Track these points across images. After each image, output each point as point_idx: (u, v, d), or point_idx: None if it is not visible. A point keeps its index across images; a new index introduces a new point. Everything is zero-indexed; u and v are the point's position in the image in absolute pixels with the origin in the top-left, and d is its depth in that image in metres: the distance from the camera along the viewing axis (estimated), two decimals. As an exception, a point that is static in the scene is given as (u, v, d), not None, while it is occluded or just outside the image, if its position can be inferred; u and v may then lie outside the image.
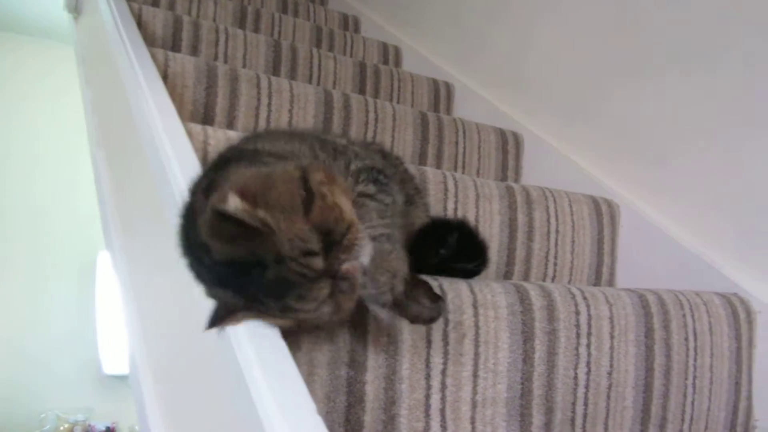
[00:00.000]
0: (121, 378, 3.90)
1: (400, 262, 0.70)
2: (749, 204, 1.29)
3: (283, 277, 0.60)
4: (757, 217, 1.27)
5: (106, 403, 3.98)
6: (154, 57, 1.37)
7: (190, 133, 1.07)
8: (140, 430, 1.06)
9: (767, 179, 1.26)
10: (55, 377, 3.87)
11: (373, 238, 0.70)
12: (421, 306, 0.76)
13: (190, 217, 0.70)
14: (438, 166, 1.68)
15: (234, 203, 0.59)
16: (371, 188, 0.77)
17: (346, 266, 0.64)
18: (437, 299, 0.78)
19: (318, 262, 0.61)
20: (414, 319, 0.77)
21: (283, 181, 0.64)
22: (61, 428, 3.87)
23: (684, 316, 1.11)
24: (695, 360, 1.11)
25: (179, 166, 0.92)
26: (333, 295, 0.63)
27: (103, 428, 3.89)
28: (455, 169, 1.71)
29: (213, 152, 1.09)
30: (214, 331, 0.66)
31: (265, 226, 0.59)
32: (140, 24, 1.72)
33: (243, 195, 0.60)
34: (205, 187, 0.70)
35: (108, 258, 1.45)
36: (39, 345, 3.85)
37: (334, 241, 0.63)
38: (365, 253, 0.65)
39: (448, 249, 0.94)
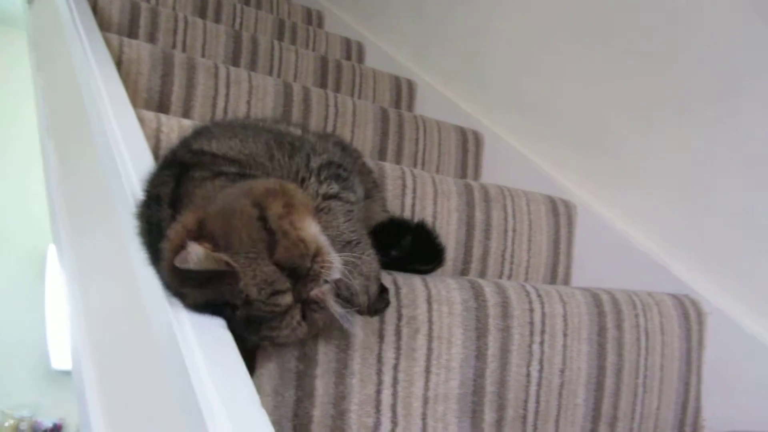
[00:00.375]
0: (70, 373, 3.80)
1: (372, 264, 0.70)
2: (700, 207, 1.31)
3: (254, 315, 0.61)
4: (709, 220, 1.29)
5: (53, 399, 3.87)
6: (108, 42, 1.34)
7: (142, 120, 1.04)
8: (80, 422, 1.03)
9: (718, 181, 1.28)
10: (0, 372, 3.76)
11: (343, 246, 0.70)
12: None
13: (153, 226, 0.70)
14: (398, 162, 1.67)
15: (195, 253, 0.59)
16: (334, 187, 0.76)
17: (314, 292, 0.64)
18: (383, 291, 0.78)
19: (286, 299, 0.62)
20: (360, 312, 0.76)
21: (244, 224, 0.63)
22: (6, 424, 3.76)
23: (636, 315, 1.12)
24: (646, 359, 1.12)
25: (129, 153, 0.90)
26: (306, 317, 0.65)
27: (50, 425, 3.79)
28: (415, 166, 1.70)
29: (166, 141, 1.06)
30: (157, 322, 0.64)
31: (230, 268, 0.60)
32: (96, 9, 1.67)
33: (204, 236, 0.61)
34: (169, 200, 0.70)
35: (55, 251, 1.41)
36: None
37: (301, 273, 0.63)
38: (335, 273, 0.65)
39: (400, 251, 0.93)
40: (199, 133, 0.87)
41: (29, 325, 3.85)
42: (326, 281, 0.65)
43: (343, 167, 0.80)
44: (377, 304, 0.76)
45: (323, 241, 0.66)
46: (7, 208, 3.93)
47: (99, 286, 1.04)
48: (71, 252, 1.28)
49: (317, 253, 0.64)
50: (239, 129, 0.85)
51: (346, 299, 0.68)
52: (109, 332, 0.96)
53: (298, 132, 0.91)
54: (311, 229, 0.65)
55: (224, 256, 0.59)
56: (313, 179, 0.76)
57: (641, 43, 1.43)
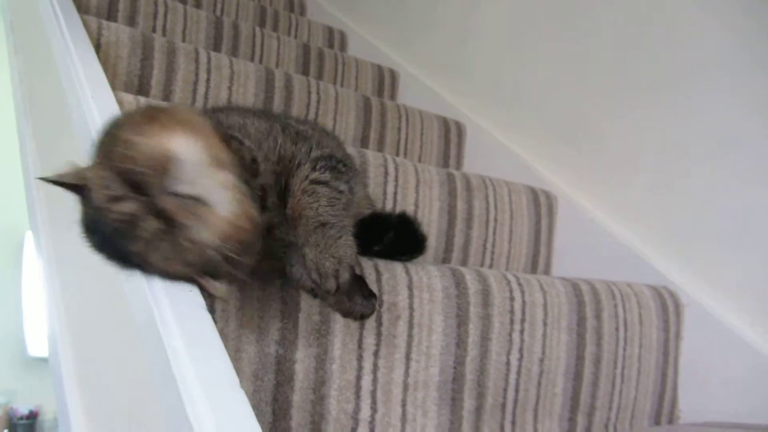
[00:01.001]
0: (47, 360, 3.76)
1: (346, 249, 0.70)
2: (679, 199, 1.32)
3: (109, 228, 0.62)
4: (686, 212, 1.30)
5: (30, 386, 3.83)
6: (86, 25, 1.31)
7: (121, 103, 1.02)
8: (58, 411, 1.02)
9: (696, 174, 1.29)
10: (-26, 358, 3.72)
11: (317, 227, 0.70)
12: (353, 303, 0.76)
13: None
14: (380, 151, 1.66)
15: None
16: (326, 175, 0.76)
17: (167, 204, 0.62)
18: (371, 296, 0.78)
19: (127, 206, 0.61)
20: (346, 314, 0.78)
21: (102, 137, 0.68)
22: (-18, 411, 3.73)
23: (615, 306, 1.13)
24: (624, 350, 1.13)
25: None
26: (169, 232, 0.61)
27: (26, 411, 3.75)
28: (397, 155, 1.70)
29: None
30: (136, 304, 0.63)
31: (82, 181, 0.64)
32: (75, -8, 1.64)
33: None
34: None
35: (32, 238, 1.39)
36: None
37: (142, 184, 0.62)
38: (185, 187, 0.62)
39: (383, 247, 0.93)
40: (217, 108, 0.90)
41: (5, 312, 3.80)
42: (182, 196, 0.62)
43: (342, 162, 0.81)
44: (364, 308, 0.77)
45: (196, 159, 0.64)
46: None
47: (77, 271, 1.03)
48: (48, 238, 1.27)
49: (164, 167, 0.62)
50: (253, 112, 0.87)
51: (315, 282, 0.69)
52: (86, 318, 0.95)
53: (306, 128, 0.91)
54: (168, 144, 0.63)
55: (82, 171, 0.64)
56: (307, 165, 0.77)
57: (618, 34, 1.44)
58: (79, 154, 0.98)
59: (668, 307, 1.23)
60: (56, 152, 1.24)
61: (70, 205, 1.07)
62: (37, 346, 3.74)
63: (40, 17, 1.36)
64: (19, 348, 3.80)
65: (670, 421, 1.23)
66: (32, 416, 3.76)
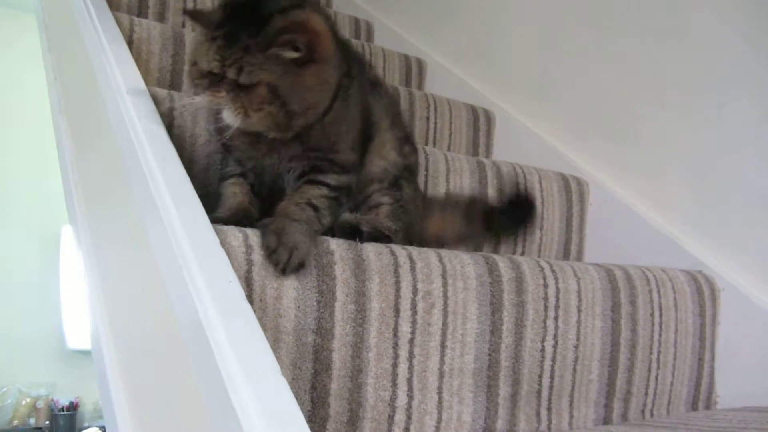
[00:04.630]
0: (85, 353, 3.84)
1: (297, 236, 0.79)
2: (714, 183, 1.30)
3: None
4: (722, 197, 1.29)
5: (69, 378, 3.92)
6: (119, 22, 1.33)
7: (155, 98, 1.04)
8: (102, 403, 1.04)
9: (732, 158, 1.27)
10: (17, 351, 3.80)
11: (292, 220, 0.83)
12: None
13: None
14: (409, 141, 1.67)
15: None
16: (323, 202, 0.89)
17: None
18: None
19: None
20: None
21: None
22: (23, 403, 3.81)
23: (650, 291, 1.12)
24: (660, 335, 1.12)
25: (144, 132, 0.90)
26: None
27: (66, 403, 3.83)
28: (426, 144, 1.70)
29: (179, 118, 1.06)
30: (176, 296, 0.64)
31: None
32: (106, -10, 1.66)
33: None
34: None
35: (71, 231, 1.42)
36: (1, 320, 3.77)
37: None
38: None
39: None
40: None
41: (44, 306, 3.88)
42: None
43: (347, 192, 0.94)
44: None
45: None
46: (20, 189, 3.95)
47: (117, 264, 1.05)
48: (88, 231, 1.29)
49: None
50: None
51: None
52: (128, 311, 0.97)
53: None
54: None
55: None
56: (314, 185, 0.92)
57: (653, 23, 1.42)
58: (116, 149, 1.00)
59: (704, 291, 1.22)
60: (93, 148, 1.27)
61: (109, 199, 1.10)
62: (76, 339, 3.81)
63: (73, 14, 1.38)
64: (59, 341, 3.89)
65: (708, 407, 1.22)
66: (72, 407, 3.85)
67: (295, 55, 0.81)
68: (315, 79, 0.84)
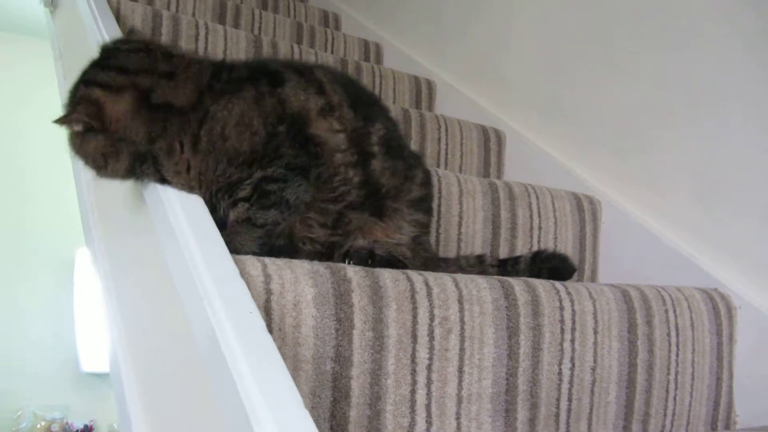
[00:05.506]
0: (100, 376, 3.85)
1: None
2: (726, 199, 1.30)
3: None
4: (737, 212, 1.29)
5: (84, 401, 3.92)
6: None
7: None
8: (120, 426, 1.05)
9: (746, 174, 1.27)
10: (31, 374, 3.81)
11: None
12: None
13: None
14: (420, 162, 1.67)
15: None
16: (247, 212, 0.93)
17: None
18: None
19: None
20: None
21: None
22: (38, 426, 3.81)
23: (666, 311, 1.12)
24: (677, 355, 1.12)
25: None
26: None
27: (81, 426, 3.84)
28: (438, 166, 1.71)
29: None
30: (198, 327, 0.65)
31: None
32: (119, 18, 1.69)
33: None
34: None
35: (87, 254, 1.43)
36: (15, 342, 3.79)
37: None
38: None
39: None
40: None
41: (59, 329, 3.90)
42: None
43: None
44: None
45: None
46: (34, 212, 3.98)
47: (136, 289, 1.06)
48: (105, 255, 1.30)
49: None
50: None
51: None
52: (147, 335, 0.98)
53: None
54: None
55: None
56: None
57: (660, 40, 1.43)
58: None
59: (720, 310, 1.22)
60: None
61: (126, 223, 1.11)
62: (90, 362, 3.82)
63: (87, 42, 1.40)
64: (73, 364, 3.90)
65: (727, 426, 1.21)
66: (87, 430, 3.85)
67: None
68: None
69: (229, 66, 0.97)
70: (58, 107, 1.94)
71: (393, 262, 0.94)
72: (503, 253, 1.35)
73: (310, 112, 0.93)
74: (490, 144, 1.80)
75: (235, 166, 0.90)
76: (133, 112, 0.88)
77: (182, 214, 0.80)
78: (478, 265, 1.16)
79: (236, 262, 0.72)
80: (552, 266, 1.17)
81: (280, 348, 0.72)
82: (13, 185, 3.99)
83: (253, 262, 0.76)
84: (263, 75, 0.95)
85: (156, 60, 0.92)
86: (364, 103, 1.02)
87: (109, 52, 0.96)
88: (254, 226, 0.89)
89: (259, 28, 2.22)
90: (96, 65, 0.95)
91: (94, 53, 1.33)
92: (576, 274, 1.47)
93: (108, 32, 1.35)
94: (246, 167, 0.90)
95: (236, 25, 2.17)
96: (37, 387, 3.84)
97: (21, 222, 3.96)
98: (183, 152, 0.89)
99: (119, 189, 1.18)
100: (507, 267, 1.17)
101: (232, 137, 0.89)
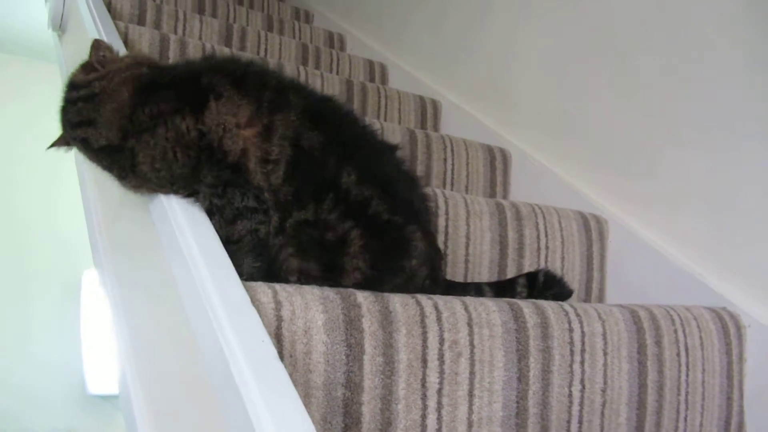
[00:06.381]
0: (107, 398, 3.84)
1: None
2: (734, 218, 1.30)
3: None
4: (745, 231, 1.29)
5: (90, 423, 3.91)
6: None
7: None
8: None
9: (755, 194, 1.27)
10: (38, 397, 3.80)
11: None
12: None
13: None
14: (427, 183, 1.68)
15: None
16: None
17: None
18: None
19: None
20: None
21: None
22: (44, 448, 3.80)
23: (675, 331, 1.11)
24: (687, 375, 1.12)
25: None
26: None
27: (87, 448, 3.84)
28: (444, 186, 1.71)
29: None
30: (209, 355, 0.65)
31: None
32: (127, 43, 1.71)
33: None
34: None
35: (95, 275, 1.44)
36: (21, 365, 3.79)
37: None
38: None
39: None
40: None
41: (65, 351, 3.90)
42: None
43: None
44: None
45: None
46: (40, 234, 4.00)
47: (146, 312, 1.06)
48: (113, 274, 1.31)
49: None
50: None
51: None
52: (158, 359, 0.98)
53: None
54: None
55: None
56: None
57: (667, 60, 1.44)
58: (142, 200, 1.02)
59: (729, 329, 1.21)
60: (119, 198, 1.29)
61: (134, 244, 1.11)
62: (97, 384, 3.82)
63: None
64: (80, 386, 3.89)
65: (738, 447, 1.20)
66: (93, 452, 3.85)
67: None
68: None
69: (155, 85, 0.96)
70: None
71: None
72: (510, 273, 1.35)
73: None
74: (496, 163, 1.80)
75: (177, 188, 0.93)
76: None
77: (191, 235, 0.81)
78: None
79: (247, 289, 0.73)
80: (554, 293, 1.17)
81: (291, 374, 0.72)
82: (17, 207, 4.01)
83: (263, 289, 0.76)
84: (188, 95, 0.93)
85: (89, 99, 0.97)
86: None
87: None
88: (231, 242, 0.89)
89: (265, 50, 2.24)
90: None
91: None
92: (584, 293, 1.47)
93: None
94: (184, 188, 0.93)
95: (242, 48, 2.19)
96: (43, 410, 3.83)
97: (26, 244, 3.97)
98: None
99: (127, 209, 1.19)
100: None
101: (163, 169, 0.91)
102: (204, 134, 0.89)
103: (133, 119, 0.91)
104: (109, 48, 1.06)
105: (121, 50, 1.40)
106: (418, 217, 0.96)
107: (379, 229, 0.89)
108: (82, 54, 1.67)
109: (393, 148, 1.02)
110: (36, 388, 3.79)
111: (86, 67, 1.02)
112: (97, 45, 1.05)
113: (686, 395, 1.11)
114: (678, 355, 1.11)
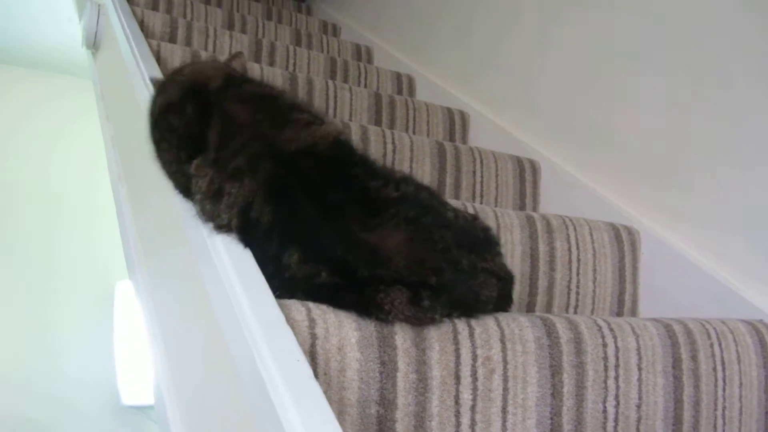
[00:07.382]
0: (141, 408, 3.88)
1: None
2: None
3: None
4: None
5: (125, 435, 3.96)
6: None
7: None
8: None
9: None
10: (71, 409, 3.85)
11: None
12: None
13: None
14: (456, 196, 1.68)
15: None
16: None
17: None
18: None
19: None
20: None
21: None
22: (77, 459, 3.85)
23: (711, 345, 1.10)
24: (724, 390, 1.10)
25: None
26: None
27: (122, 459, 3.87)
28: (473, 198, 1.71)
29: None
30: (245, 374, 0.66)
31: None
32: (159, 60, 1.74)
33: None
34: None
35: (131, 287, 1.46)
36: (55, 377, 3.84)
37: None
38: None
39: None
40: None
41: (99, 362, 3.95)
42: None
43: None
44: None
45: None
46: (72, 247, 4.07)
47: (181, 328, 1.08)
48: (148, 285, 1.33)
49: None
50: None
51: None
52: (193, 374, 0.99)
53: None
54: None
55: None
56: None
57: (701, 69, 1.42)
58: (173, 211, 1.04)
59: (766, 342, 1.19)
60: (154, 216, 1.31)
61: (169, 255, 1.13)
62: (130, 395, 3.86)
63: (131, 84, 1.45)
64: (113, 397, 3.94)
65: (777, 462, 1.18)
66: (127, 462, 3.89)
67: None
68: None
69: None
70: (88, 140, 2.00)
71: None
72: (542, 286, 1.34)
73: None
74: (525, 175, 1.80)
75: None
76: None
77: (226, 256, 0.82)
78: None
79: (281, 308, 0.74)
80: None
81: (325, 392, 0.73)
82: (49, 219, 4.09)
83: (297, 307, 0.77)
84: None
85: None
86: None
87: None
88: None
89: (294, 64, 2.26)
90: None
91: (135, 94, 1.38)
92: (617, 305, 1.46)
93: (150, 75, 1.39)
94: None
95: (271, 63, 2.22)
96: (78, 421, 3.88)
97: (58, 256, 4.04)
98: None
99: (162, 220, 1.21)
100: None
101: None
102: None
103: None
104: None
105: (155, 70, 1.43)
106: None
107: None
108: (115, 72, 1.70)
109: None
110: (70, 400, 3.84)
111: None
112: None
113: (723, 410, 1.09)
114: (714, 369, 1.09)
